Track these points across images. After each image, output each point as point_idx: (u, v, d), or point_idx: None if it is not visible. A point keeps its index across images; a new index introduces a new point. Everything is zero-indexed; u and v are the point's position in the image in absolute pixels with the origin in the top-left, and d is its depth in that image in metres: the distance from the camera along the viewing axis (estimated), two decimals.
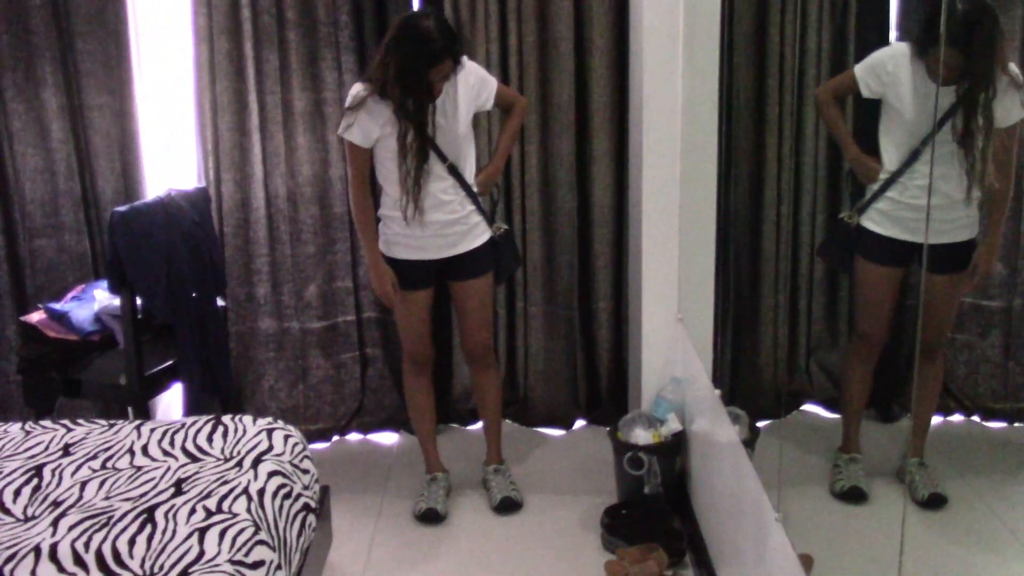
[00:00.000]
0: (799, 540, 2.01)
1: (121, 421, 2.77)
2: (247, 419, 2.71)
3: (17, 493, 2.36)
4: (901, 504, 1.84)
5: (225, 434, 2.63)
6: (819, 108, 2.71)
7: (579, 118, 3.61)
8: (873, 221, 2.33)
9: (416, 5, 3.56)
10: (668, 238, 3.23)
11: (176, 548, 2.11)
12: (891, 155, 2.25)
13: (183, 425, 2.69)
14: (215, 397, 3.49)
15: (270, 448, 2.56)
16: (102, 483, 2.39)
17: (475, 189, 3.05)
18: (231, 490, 2.32)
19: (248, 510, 2.24)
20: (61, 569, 2.05)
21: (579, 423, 3.90)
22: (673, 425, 3.17)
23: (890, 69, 2.26)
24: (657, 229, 3.23)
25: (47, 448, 2.59)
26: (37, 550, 2.09)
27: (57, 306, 3.34)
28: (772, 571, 2.17)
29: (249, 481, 2.37)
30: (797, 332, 3.00)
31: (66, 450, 2.57)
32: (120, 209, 3.08)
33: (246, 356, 3.72)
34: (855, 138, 2.51)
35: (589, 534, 3.09)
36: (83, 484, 2.39)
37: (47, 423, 2.76)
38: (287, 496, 2.41)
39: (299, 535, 2.41)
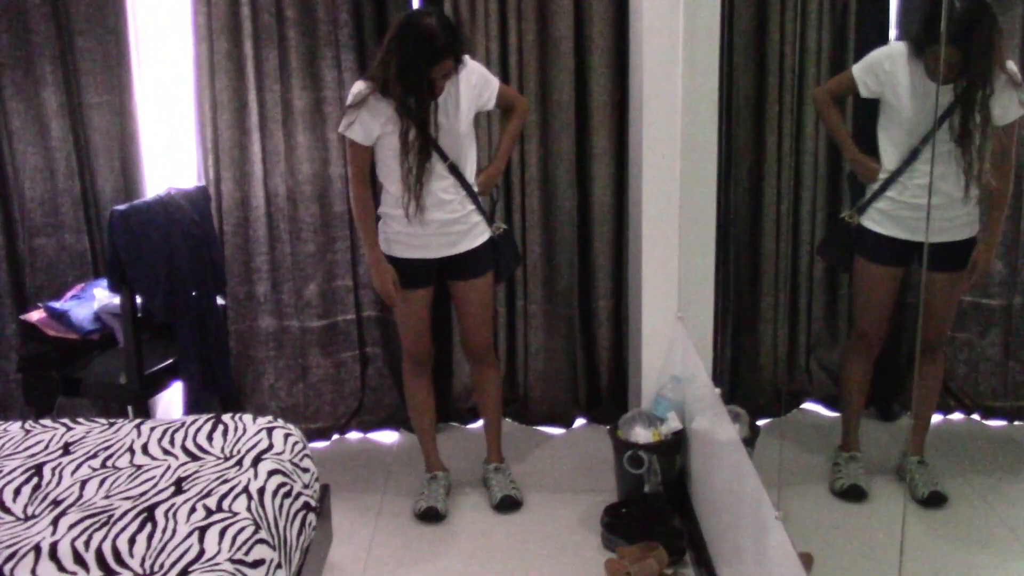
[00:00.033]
0: (799, 538, 2.01)
1: (121, 420, 2.77)
2: (247, 418, 2.71)
3: (17, 492, 2.36)
4: (901, 502, 1.84)
5: (225, 433, 2.63)
6: (818, 109, 2.71)
7: (579, 117, 3.61)
8: (873, 221, 2.33)
9: (417, 3, 3.56)
10: (668, 237, 3.23)
11: (176, 547, 2.11)
12: (890, 155, 2.25)
13: (183, 424, 2.69)
14: (215, 396, 3.49)
15: (270, 447, 2.55)
16: (102, 482, 2.39)
17: (475, 189, 3.05)
18: (231, 489, 2.32)
19: (248, 509, 2.24)
20: (61, 568, 2.05)
21: (579, 422, 3.90)
22: (673, 424, 3.17)
23: (888, 68, 2.26)
24: (657, 228, 3.23)
25: (47, 447, 2.59)
26: (37, 549, 2.09)
27: (57, 305, 3.33)
28: (772, 569, 2.17)
29: (249, 480, 2.37)
30: (797, 331, 3.00)
31: (66, 449, 2.57)
32: (120, 208, 3.07)
33: (246, 355, 3.72)
34: (854, 138, 2.51)
35: (589, 533, 3.09)
36: (83, 483, 2.39)
37: (47, 422, 2.76)
38: (287, 495, 2.41)
39: (299, 534, 2.41)
